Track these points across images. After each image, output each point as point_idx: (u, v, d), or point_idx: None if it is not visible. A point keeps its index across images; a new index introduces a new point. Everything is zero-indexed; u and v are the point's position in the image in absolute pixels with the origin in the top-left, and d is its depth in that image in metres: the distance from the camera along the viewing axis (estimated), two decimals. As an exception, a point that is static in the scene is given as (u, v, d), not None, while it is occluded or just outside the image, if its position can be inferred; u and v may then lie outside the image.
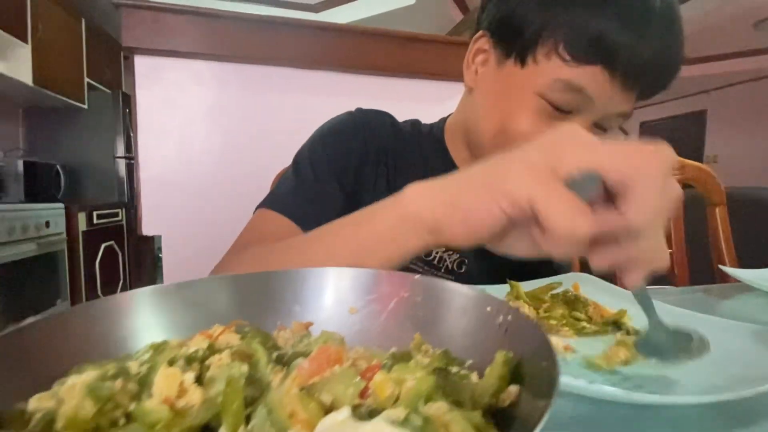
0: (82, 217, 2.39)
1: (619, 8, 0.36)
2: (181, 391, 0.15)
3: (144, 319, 0.21)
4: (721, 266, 0.58)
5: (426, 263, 0.56)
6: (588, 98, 0.39)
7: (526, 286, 0.47)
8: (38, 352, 0.18)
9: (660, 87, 0.41)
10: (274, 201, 0.49)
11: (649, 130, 6.76)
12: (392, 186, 0.54)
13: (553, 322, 0.36)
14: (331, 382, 0.16)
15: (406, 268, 0.56)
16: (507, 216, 0.24)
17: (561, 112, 0.41)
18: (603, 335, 0.35)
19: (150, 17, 0.97)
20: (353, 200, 0.55)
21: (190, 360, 0.18)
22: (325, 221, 0.48)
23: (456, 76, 1.27)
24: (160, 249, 1.49)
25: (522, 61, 0.42)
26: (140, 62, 1.02)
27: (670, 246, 0.89)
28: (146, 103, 1.05)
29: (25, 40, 2.15)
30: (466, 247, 0.27)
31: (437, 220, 0.28)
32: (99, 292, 2.54)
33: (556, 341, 0.32)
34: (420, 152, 0.56)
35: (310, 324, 0.27)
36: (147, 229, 1.09)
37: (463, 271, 0.56)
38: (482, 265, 0.55)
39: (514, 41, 0.42)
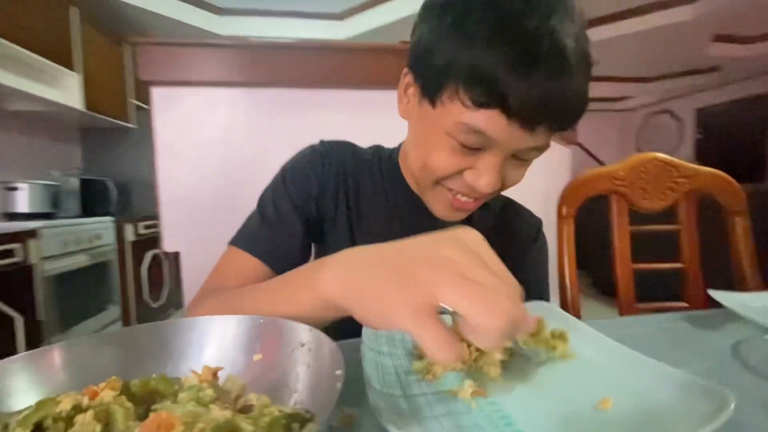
0: (129, 229, 2.61)
1: (507, 53, 0.36)
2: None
3: (49, 375, 0.25)
4: (710, 291, 0.54)
5: None
6: (491, 139, 0.40)
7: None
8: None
9: (565, 125, 0.40)
10: (239, 239, 0.53)
11: (706, 116, 6.23)
12: (353, 211, 0.57)
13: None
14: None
15: None
16: None
17: (470, 149, 0.42)
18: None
19: (162, 52, 1.05)
20: (316, 228, 0.58)
21: (56, 419, 0.21)
22: (287, 257, 0.52)
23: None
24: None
25: (432, 102, 0.43)
26: (156, 92, 1.11)
27: (683, 261, 0.83)
28: (163, 130, 1.14)
29: (74, 69, 2.39)
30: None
31: (350, 305, 0.29)
32: (146, 297, 2.77)
33: (468, 384, 0.33)
34: (379, 177, 0.58)
35: (219, 369, 0.30)
36: (168, 245, 1.18)
37: None
38: None
39: (426, 82, 0.43)
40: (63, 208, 2.32)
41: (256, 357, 0.30)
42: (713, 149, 6.11)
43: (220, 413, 0.22)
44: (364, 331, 0.41)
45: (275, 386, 0.28)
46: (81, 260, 2.14)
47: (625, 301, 0.80)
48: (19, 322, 1.68)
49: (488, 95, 0.37)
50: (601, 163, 6.13)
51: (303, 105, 1.20)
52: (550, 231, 0.81)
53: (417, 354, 0.39)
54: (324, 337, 0.27)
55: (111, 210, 2.74)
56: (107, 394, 0.23)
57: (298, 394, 0.26)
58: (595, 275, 3.51)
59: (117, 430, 0.21)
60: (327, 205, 0.57)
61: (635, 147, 7.43)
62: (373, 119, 1.12)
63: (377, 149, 0.62)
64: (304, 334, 0.28)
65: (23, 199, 2.09)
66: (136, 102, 3.10)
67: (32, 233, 1.80)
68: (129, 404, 0.23)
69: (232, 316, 0.31)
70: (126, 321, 2.58)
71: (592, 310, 3.06)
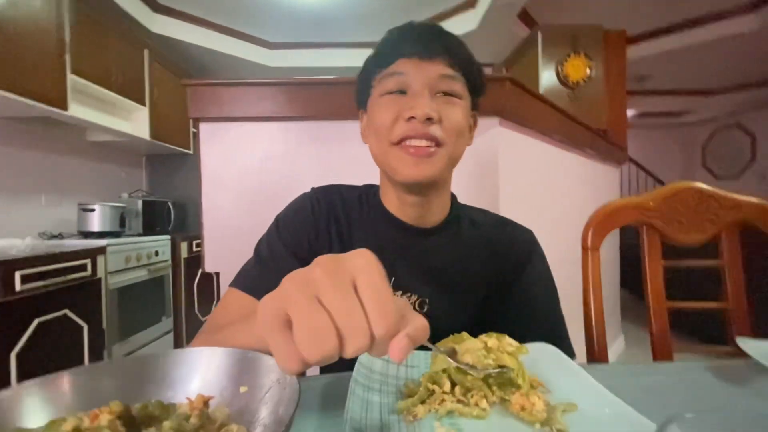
0: (184, 246, 2.83)
1: (392, 32, 0.57)
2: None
3: (61, 398, 0.29)
4: (739, 339, 0.49)
5: None
6: (405, 75, 0.54)
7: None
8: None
9: (446, 46, 0.55)
10: (238, 281, 0.59)
11: None
12: (346, 244, 0.62)
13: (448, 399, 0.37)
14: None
15: None
16: None
17: (399, 93, 0.55)
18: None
19: (208, 92, 1.17)
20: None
21: (60, 438, 0.25)
22: None
23: (488, 112, 1.26)
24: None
25: (368, 103, 0.60)
26: (203, 128, 1.23)
27: (725, 299, 0.76)
28: (208, 160, 1.25)
29: (143, 104, 2.69)
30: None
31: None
32: (196, 311, 2.95)
33: (438, 427, 0.33)
34: (366, 211, 0.64)
35: (210, 398, 0.33)
36: (209, 266, 1.27)
37: (425, 310, 0.60)
38: (442, 304, 0.60)
39: (362, 96, 0.62)
40: (128, 227, 2.57)
41: (243, 389, 0.33)
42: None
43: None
44: (357, 366, 0.43)
45: (255, 418, 0.30)
46: (141, 275, 2.35)
47: (658, 341, 0.75)
48: (85, 330, 1.87)
49: (389, 51, 0.56)
50: (660, 182, 5.71)
51: (334, 136, 1.26)
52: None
53: (407, 393, 0.40)
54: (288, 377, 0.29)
55: (168, 229, 3.00)
56: (104, 418, 0.27)
57: (265, 428, 0.28)
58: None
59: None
60: (321, 243, 0.62)
61: (702, 164, 6.85)
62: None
63: (368, 187, 0.69)
64: (276, 367, 0.31)
65: (96, 220, 2.34)
66: (194, 130, 3.40)
67: (101, 250, 2.02)
68: (122, 429, 0.26)
69: (224, 348, 0.34)
70: (177, 332, 2.77)
71: (645, 342, 2.81)
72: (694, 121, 6.67)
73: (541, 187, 1.61)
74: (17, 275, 1.50)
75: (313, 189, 0.67)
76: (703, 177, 6.62)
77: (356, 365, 0.43)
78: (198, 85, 1.17)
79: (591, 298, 0.77)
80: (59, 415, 0.27)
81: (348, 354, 0.24)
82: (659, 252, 0.78)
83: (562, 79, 3.04)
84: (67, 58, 1.99)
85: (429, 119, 0.52)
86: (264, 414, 0.29)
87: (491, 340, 0.39)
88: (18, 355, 1.50)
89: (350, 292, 0.25)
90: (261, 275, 0.58)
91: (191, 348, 0.35)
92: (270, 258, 0.59)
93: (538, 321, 0.65)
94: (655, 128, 6.94)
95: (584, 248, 0.79)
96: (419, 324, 0.27)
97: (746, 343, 0.48)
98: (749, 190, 0.76)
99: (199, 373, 0.34)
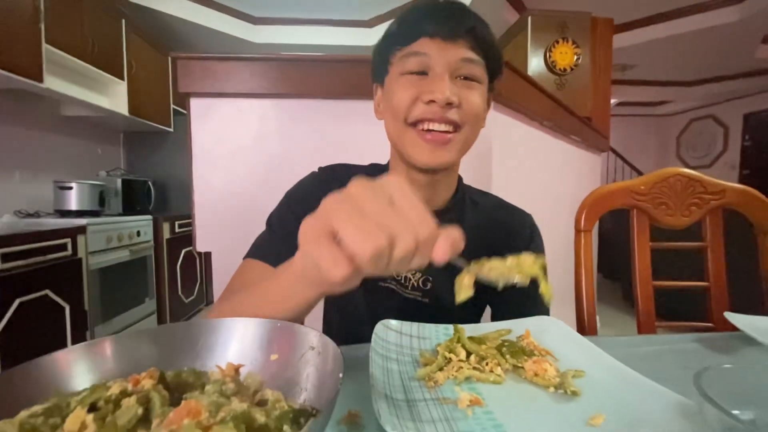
0: (166, 227, 2.76)
1: (414, 7, 0.55)
2: (83, 426, 0.22)
3: (101, 363, 0.29)
4: (727, 313, 0.53)
5: (396, 282, 0.63)
6: (427, 56, 0.53)
7: (482, 330, 0.49)
8: (26, 388, 0.26)
9: (465, 30, 0.53)
10: (251, 252, 0.59)
11: (754, 122, 5.88)
12: None
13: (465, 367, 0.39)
14: (178, 429, 0.22)
15: (382, 286, 0.62)
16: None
17: (419, 75, 0.54)
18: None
19: (199, 66, 1.13)
20: None
21: (107, 401, 0.25)
22: None
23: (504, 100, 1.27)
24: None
25: (386, 80, 0.58)
26: (194, 103, 1.19)
27: (708, 279, 0.81)
28: (199, 137, 1.21)
29: (122, 78, 2.57)
30: (346, 289, 0.31)
31: (311, 274, 0.33)
32: (179, 292, 2.91)
33: (466, 393, 0.35)
34: None
35: (240, 366, 0.34)
36: (200, 245, 1.26)
37: (428, 287, 0.63)
38: (444, 282, 0.61)
39: (379, 71, 0.60)
40: (107, 206, 2.48)
41: (273, 357, 0.34)
42: (762, 156, 5.75)
43: (239, 405, 0.25)
44: (374, 338, 0.44)
45: (288, 384, 0.31)
46: (122, 255, 2.29)
47: (644, 318, 0.79)
48: (67, 311, 1.82)
49: (411, 28, 0.54)
50: (637, 170, 5.89)
51: (328, 114, 1.25)
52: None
53: (423, 362, 0.42)
54: (329, 342, 0.30)
55: (150, 209, 2.91)
56: (147, 383, 0.27)
57: (307, 393, 0.29)
58: (625, 287, 3.39)
59: (155, 413, 0.25)
60: None
61: (676, 154, 7.09)
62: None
63: (373, 166, 0.70)
64: (314, 338, 0.32)
65: (74, 198, 2.25)
66: (175, 107, 3.28)
67: (81, 229, 1.95)
68: (165, 392, 0.27)
69: (253, 318, 0.35)
70: (161, 314, 2.73)
71: (618, 323, 2.96)
72: (670, 111, 6.87)
73: (530, 172, 1.64)
74: (-5, 254, 1.44)
75: (320, 168, 0.68)
76: (677, 167, 6.86)
77: (373, 337, 0.44)
78: (189, 58, 1.12)
79: (583, 278, 0.80)
80: (99, 380, 0.27)
81: (397, 254, 0.26)
82: (647, 234, 0.82)
83: (550, 66, 3.07)
84: (42, 27, 1.87)
85: (449, 104, 0.52)
86: (302, 379, 0.30)
87: (509, 259, 0.39)
88: (0, 335, 1.46)
89: (389, 204, 0.27)
90: (274, 244, 0.59)
91: (221, 318, 0.35)
92: (282, 228, 0.60)
93: (535, 300, 0.68)
94: (633, 118, 7.11)
95: (577, 230, 0.83)
96: (455, 232, 0.29)
97: (734, 318, 0.52)
98: (720, 179, 0.81)
99: (228, 342, 0.34)
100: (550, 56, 3.07)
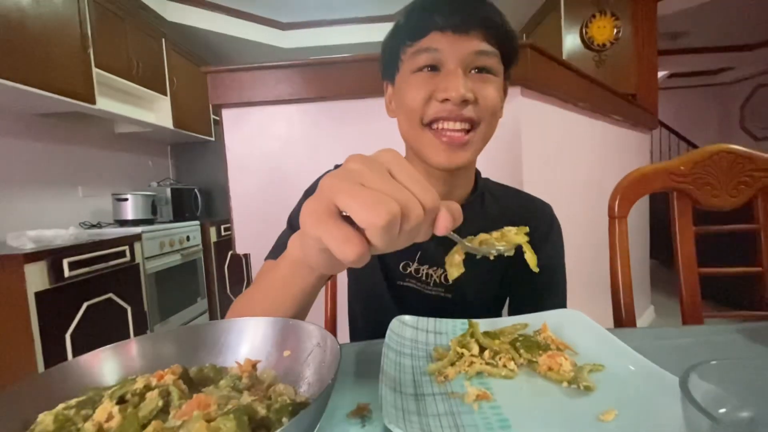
0: (213, 231, 2.93)
1: (426, 1, 0.53)
2: (110, 416, 0.25)
3: (130, 361, 0.33)
4: (773, 300, 0.49)
5: (417, 279, 0.63)
6: (439, 51, 0.51)
7: (499, 324, 0.49)
8: (63, 384, 0.30)
9: (478, 21, 0.51)
10: (271, 253, 0.61)
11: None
12: None
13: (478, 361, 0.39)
14: (188, 420, 0.24)
15: (403, 285, 0.63)
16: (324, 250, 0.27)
17: (431, 70, 0.52)
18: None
19: (227, 78, 1.19)
20: None
21: (133, 394, 0.28)
22: None
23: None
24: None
25: (397, 77, 0.57)
26: (226, 113, 1.26)
27: (761, 264, 0.74)
28: (232, 145, 1.28)
29: (165, 93, 2.75)
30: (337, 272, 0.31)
31: (313, 259, 0.31)
32: (228, 291, 3.09)
33: (471, 390, 0.35)
34: None
35: (257, 362, 0.36)
36: (239, 248, 1.33)
37: (450, 283, 0.62)
38: (466, 278, 0.59)
39: (389, 68, 0.58)
40: (159, 214, 2.68)
41: (286, 353, 0.36)
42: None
43: (246, 398, 0.27)
44: (389, 333, 0.45)
45: (299, 378, 0.33)
46: (175, 259, 2.47)
47: (688, 309, 0.74)
48: (129, 312, 2.00)
49: (421, 22, 0.52)
50: (693, 145, 5.42)
51: (352, 115, 1.27)
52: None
53: (436, 357, 0.43)
54: (328, 336, 0.32)
55: (197, 214, 3.10)
56: (168, 378, 0.30)
57: (311, 386, 0.31)
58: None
59: (173, 404, 0.27)
60: None
61: (740, 125, 6.44)
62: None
63: None
64: (316, 333, 0.33)
65: (129, 208, 2.46)
66: (215, 117, 3.46)
67: (137, 237, 2.13)
68: (184, 386, 0.30)
69: (268, 318, 0.37)
70: (212, 312, 2.91)
71: (672, 314, 2.75)
72: (731, 79, 6.24)
73: (565, 157, 1.57)
74: (65, 263, 1.60)
75: (336, 165, 0.68)
76: (742, 139, 6.23)
77: (387, 332, 0.45)
78: (217, 71, 1.19)
79: (618, 266, 0.76)
80: (128, 376, 0.31)
81: (408, 224, 0.25)
82: (690, 217, 0.76)
83: (587, 42, 2.90)
84: (91, 52, 2.04)
85: (464, 101, 0.50)
86: (308, 374, 0.32)
87: (495, 233, 0.40)
88: (71, 336, 1.63)
89: (390, 177, 0.26)
90: None
91: (239, 318, 0.37)
92: None
93: (554, 291, 0.66)
94: (689, 90, 6.54)
95: (611, 216, 0.78)
96: (455, 204, 0.29)
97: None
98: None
99: (246, 340, 0.37)
100: (586, 32, 2.90)
